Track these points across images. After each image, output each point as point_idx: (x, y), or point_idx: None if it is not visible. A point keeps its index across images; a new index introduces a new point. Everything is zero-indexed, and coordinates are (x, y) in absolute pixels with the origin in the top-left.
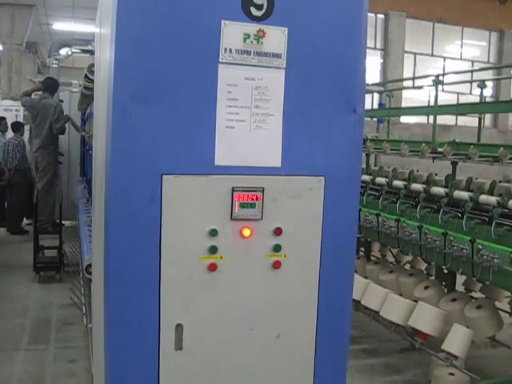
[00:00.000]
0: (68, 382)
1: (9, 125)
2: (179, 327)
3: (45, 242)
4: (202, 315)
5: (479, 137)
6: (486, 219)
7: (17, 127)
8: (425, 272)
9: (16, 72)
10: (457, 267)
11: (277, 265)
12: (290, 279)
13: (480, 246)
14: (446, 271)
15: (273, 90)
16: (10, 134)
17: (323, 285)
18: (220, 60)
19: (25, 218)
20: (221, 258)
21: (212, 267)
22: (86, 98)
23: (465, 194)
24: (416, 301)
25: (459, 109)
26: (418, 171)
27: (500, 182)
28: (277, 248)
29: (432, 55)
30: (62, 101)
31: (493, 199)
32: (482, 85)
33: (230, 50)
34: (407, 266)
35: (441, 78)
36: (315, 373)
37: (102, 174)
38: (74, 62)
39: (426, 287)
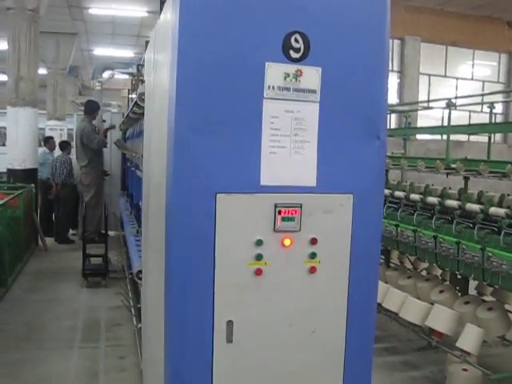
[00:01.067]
0: (119, 376)
1: (57, 143)
2: (230, 323)
3: (91, 251)
4: (249, 313)
5: (489, 154)
6: (496, 229)
7: (64, 146)
8: (440, 277)
9: (60, 94)
10: (469, 273)
11: (312, 270)
12: (323, 283)
13: (490, 254)
14: (459, 277)
15: (309, 120)
16: (57, 152)
17: (352, 288)
18: (265, 96)
19: (70, 229)
20: (265, 264)
21: (258, 272)
22: (131, 121)
23: (476, 207)
24: (432, 304)
25: (470, 129)
26: (433, 185)
27: (508, 195)
28: (312, 255)
29: (445, 76)
30: (104, 121)
31: (501, 211)
32: (491, 106)
33: (273, 87)
34: (424, 272)
35: (454, 100)
36: (345, 365)
37: (160, 192)
38: (110, 84)
39: (441, 291)
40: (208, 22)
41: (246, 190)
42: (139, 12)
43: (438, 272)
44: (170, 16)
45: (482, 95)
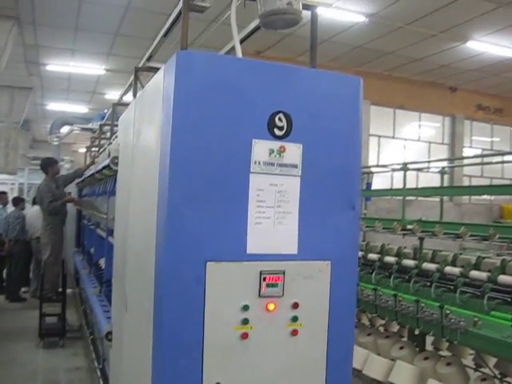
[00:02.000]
0: None
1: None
2: None
3: (47, 309)
4: (235, 375)
5: (441, 215)
6: (452, 287)
7: (17, 201)
8: (397, 334)
9: (13, 148)
10: (428, 330)
11: (295, 332)
12: (305, 344)
13: (448, 311)
14: (417, 333)
15: (291, 192)
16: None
17: (330, 348)
18: (251, 170)
19: (22, 287)
20: (251, 328)
21: (244, 336)
22: (94, 180)
23: (432, 266)
24: (393, 360)
25: (424, 191)
26: (388, 244)
27: (461, 254)
28: (294, 319)
29: (393, 137)
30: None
31: (456, 270)
32: (442, 171)
33: (259, 163)
34: (381, 329)
35: (403, 163)
36: None
37: (145, 257)
38: (63, 138)
39: (401, 347)
40: (201, 100)
41: (234, 258)
42: (97, 70)
43: (395, 328)
44: (161, 88)
45: (429, 161)
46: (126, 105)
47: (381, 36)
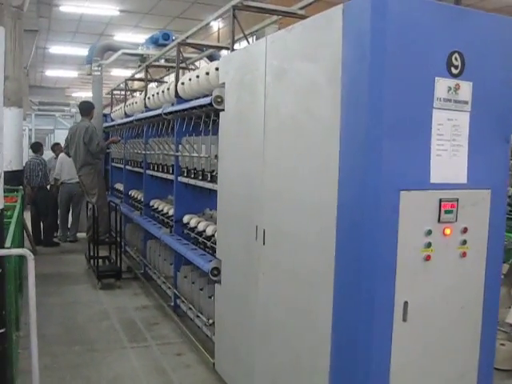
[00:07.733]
0: (188, 372)
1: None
2: (406, 303)
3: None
4: (419, 293)
5: None
6: None
7: (37, 147)
8: None
9: (23, 93)
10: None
11: (463, 254)
12: (470, 265)
13: None
14: None
15: (462, 127)
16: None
17: (488, 267)
18: (434, 106)
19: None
20: (432, 250)
21: (427, 258)
22: (145, 122)
23: None
24: None
25: None
26: None
27: None
28: (464, 242)
29: None
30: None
31: None
32: None
33: (440, 99)
34: None
35: None
36: (482, 331)
37: (314, 191)
38: (57, 83)
39: None
40: (394, 40)
41: (420, 187)
42: (111, 11)
43: None
44: (339, 27)
45: None
46: (191, 45)
47: None
